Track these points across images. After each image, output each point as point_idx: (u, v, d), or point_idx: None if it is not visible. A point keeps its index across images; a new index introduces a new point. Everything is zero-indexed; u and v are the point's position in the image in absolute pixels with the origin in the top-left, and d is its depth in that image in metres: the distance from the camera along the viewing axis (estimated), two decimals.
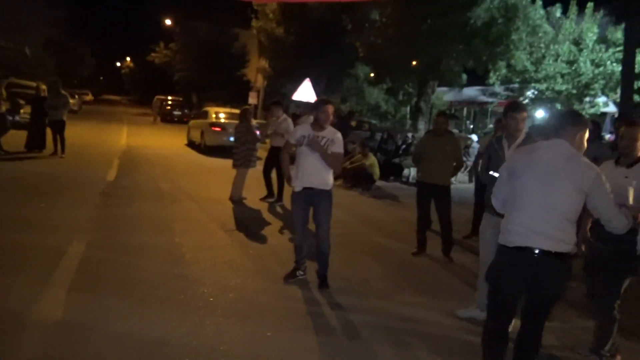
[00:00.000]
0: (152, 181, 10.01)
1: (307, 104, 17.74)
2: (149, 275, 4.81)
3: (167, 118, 31.45)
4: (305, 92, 17.13)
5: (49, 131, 12.34)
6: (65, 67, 44.31)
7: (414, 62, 16.24)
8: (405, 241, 7.00)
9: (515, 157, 3.23)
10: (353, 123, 18.91)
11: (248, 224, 7.27)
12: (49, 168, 10.42)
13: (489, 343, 3.19)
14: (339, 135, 4.94)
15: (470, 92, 22.75)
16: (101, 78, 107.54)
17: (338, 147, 4.91)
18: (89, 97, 49.11)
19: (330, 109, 4.84)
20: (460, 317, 4.48)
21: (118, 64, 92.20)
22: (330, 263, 5.13)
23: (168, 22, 43.00)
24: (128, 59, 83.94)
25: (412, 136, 14.10)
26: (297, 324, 4.09)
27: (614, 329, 3.71)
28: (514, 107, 4.65)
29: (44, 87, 19.13)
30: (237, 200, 8.71)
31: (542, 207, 2.90)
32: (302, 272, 5.06)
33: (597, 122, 8.13)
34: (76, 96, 33.44)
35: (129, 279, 4.69)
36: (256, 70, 28.71)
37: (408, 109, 26.69)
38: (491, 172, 4.32)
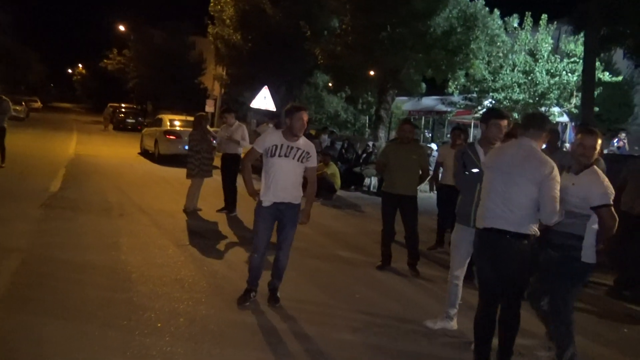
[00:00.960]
0: (100, 192, 9.38)
1: (265, 112, 17.38)
2: (89, 297, 4.31)
3: (120, 126, 30.72)
4: (264, 100, 16.78)
5: None
6: (11, 74, 42.47)
7: (373, 72, 16.13)
8: (369, 254, 6.72)
9: (489, 155, 3.83)
10: (312, 132, 18.66)
11: (202, 237, 6.81)
12: None
13: (477, 323, 3.61)
14: (313, 147, 4.60)
15: (429, 101, 22.87)
16: (52, 85, 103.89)
17: (314, 161, 4.60)
18: (38, 105, 47.11)
19: (305, 116, 4.43)
20: (430, 327, 4.32)
21: (70, 70, 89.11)
22: (290, 279, 4.77)
23: (122, 28, 41.71)
24: (80, 65, 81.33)
25: (373, 145, 13.93)
26: (254, 353, 3.70)
27: (568, 333, 3.68)
28: (496, 114, 4.47)
29: None
30: (191, 212, 8.23)
31: (502, 197, 3.43)
32: (254, 293, 4.66)
33: (556, 130, 8.11)
34: (23, 103, 32.08)
35: (66, 301, 4.18)
36: (213, 78, 28.08)
37: (367, 118, 26.68)
38: (473, 170, 4.26)
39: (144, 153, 17.07)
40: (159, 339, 3.68)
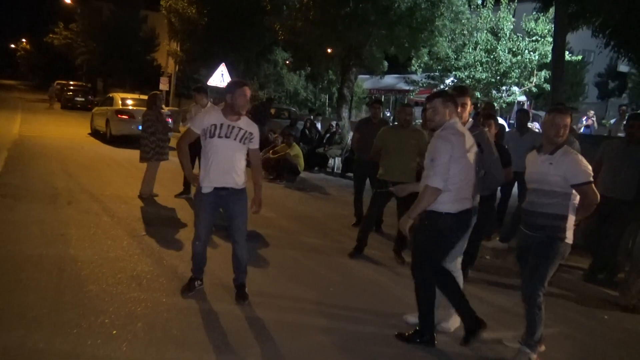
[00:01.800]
0: (47, 177, 8.67)
1: (222, 90, 16.73)
2: (32, 301, 3.81)
3: (69, 105, 29.21)
4: (221, 78, 16.11)
5: None
6: None
7: (334, 48, 15.65)
8: (338, 240, 6.42)
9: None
10: (272, 110, 18.11)
11: (160, 226, 6.31)
12: None
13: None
14: (256, 127, 4.18)
15: (390, 80, 22.63)
16: None
17: (256, 143, 4.20)
18: None
19: (247, 91, 4.00)
20: (410, 323, 4.05)
21: (12, 45, 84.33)
22: (255, 270, 4.39)
23: (68, 0, 39.52)
24: (24, 40, 77.09)
25: (337, 124, 13.54)
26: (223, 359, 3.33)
27: (540, 317, 3.59)
28: (458, 91, 4.20)
29: None
30: (147, 198, 7.70)
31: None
32: (200, 282, 4.33)
33: (526, 110, 7.95)
34: None
35: (5, 307, 3.68)
36: (167, 55, 26.93)
37: (327, 96, 26.25)
38: None
39: (95, 133, 16.15)
40: (115, 349, 3.26)
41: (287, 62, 23.14)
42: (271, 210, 7.63)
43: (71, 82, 34.60)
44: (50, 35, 44.66)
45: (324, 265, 5.43)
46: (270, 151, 11.36)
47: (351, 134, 14.63)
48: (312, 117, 14.37)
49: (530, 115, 12.29)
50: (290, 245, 6.05)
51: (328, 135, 13.12)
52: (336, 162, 12.99)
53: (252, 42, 19.42)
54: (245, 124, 4.07)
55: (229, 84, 4.10)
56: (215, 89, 16.62)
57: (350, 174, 11.09)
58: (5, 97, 35.89)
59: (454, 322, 4.06)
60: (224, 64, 16.25)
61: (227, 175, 4.02)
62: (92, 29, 37.32)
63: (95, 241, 5.42)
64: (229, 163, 4.01)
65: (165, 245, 5.52)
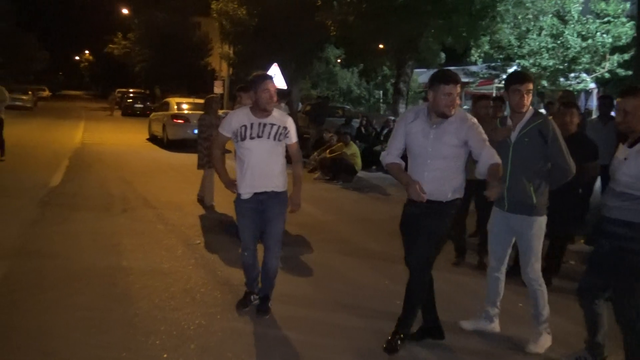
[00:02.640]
0: (103, 184, 8.67)
1: (275, 90, 16.49)
2: (78, 319, 3.58)
3: (128, 112, 30.24)
4: (274, 78, 15.86)
5: None
6: (16, 63, 41.88)
7: (388, 42, 15.02)
8: (401, 246, 5.92)
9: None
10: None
11: (216, 234, 6.05)
12: None
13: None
14: (290, 119, 3.79)
15: None
16: (60, 73, 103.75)
17: (293, 136, 3.79)
18: (46, 93, 46.93)
19: (272, 85, 3.61)
20: (465, 329, 3.75)
21: (77, 57, 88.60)
22: (310, 281, 3.99)
23: (125, 11, 40.81)
24: (87, 52, 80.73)
25: (394, 120, 12.96)
26: None
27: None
28: (518, 77, 3.67)
29: None
30: (208, 206, 7.43)
31: None
32: (256, 296, 3.96)
33: (610, 97, 7.18)
34: (29, 92, 31.72)
35: (48, 326, 3.46)
36: (219, 58, 27.15)
37: (381, 92, 25.63)
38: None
39: (153, 139, 16.38)
40: None
41: (339, 59, 22.71)
42: (327, 213, 7.24)
43: (130, 90, 35.76)
44: (110, 46, 46.25)
45: (388, 275, 4.96)
46: (327, 151, 10.98)
47: None
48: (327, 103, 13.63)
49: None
50: (349, 252, 5.63)
51: (385, 131, 12.59)
52: None
53: (303, 40, 19.09)
54: (278, 118, 3.69)
55: (251, 80, 3.69)
56: None
57: None
58: (70, 106, 37.53)
59: (545, 341, 3.52)
60: (276, 64, 16.00)
61: (266, 178, 3.67)
62: (148, 37, 38.28)
63: (149, 251, 5.20)
64: (265, 165, 3.65)
65: (220, 255, 5.23)
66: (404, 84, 14.63)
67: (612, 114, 8.07)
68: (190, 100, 16.49)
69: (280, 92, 15.89)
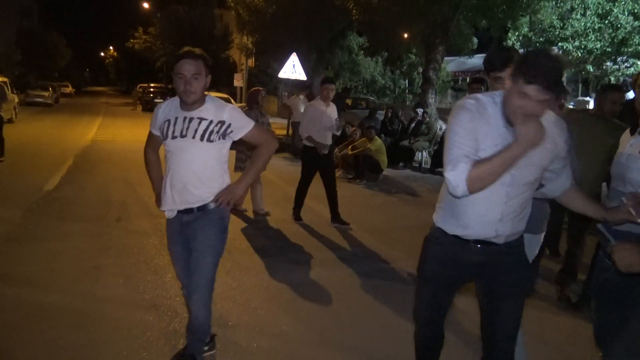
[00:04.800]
0: (103, 188, 7.89)
1: (295, 82, 15.58)
2: None
3: (148, 106, 29.63)
4: (292, 69, 14.96)
5: None
6: (40, 60, 42.09)
7: (416, 26, 13.84)
8: None
9: None
10: (348, 101, 16.75)
11: (229, 253, 5.15)
12: None
13: None
14: (230, 109, 2.74)
15: (477, 60, 20.43)
16: (87, 70, 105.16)
17: (245, 125, 2.77)
18: (70, 90, 47.11)
19: (190, 66, 2.61)
20: None
21: (102, 54, 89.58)
22: (328, 313, 3.04)
23: (146, 5, 40.68)
24: (111, 48, 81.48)
25: (423, 112, 11.87)
26: None
27: None
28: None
29: (3, 79, 17.04)
30: (263, 215, 6.52)
31: None
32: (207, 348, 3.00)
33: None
34: (50, 89, 31.56)
35: None
36: (238, 50, 26.34)
37: (407, 82, 24.44)
38: None
39: None
40: None
41: (362, 47, 21.65)
42: (348, 218, 6.27)
43: (151, 85, 35.35)
44: (131, 40, 46.09)
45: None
46: (349, 147, 10.01)
47: (440, 122, 12.99)
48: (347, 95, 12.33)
49: None
50: (376, 273, 4.67)
51: (413, 125, 11.54)
52: (424, 156, 11.40)
53: (323, 27, 18.07)
54: (211, 111, 2.68)
55: (177, 55, 2.71)
56: (288, 82, 15.55)
57: (441, 169, 9.51)
58: (92, 103, 37.40)
59: None
60: (295, 53, 15.09)
61: (187, 192, 2.71)
62: (169, 31, 37.96)
63: (133, 275, 4.33)
64: (189, 174, 2.69)
65: (222, 283, 4.31)
66: (434, 72, 13.47)
67: None
68: (210, 93, 15.68)
69: (300, 84, 15.00)
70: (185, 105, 2.67)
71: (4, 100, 10.26)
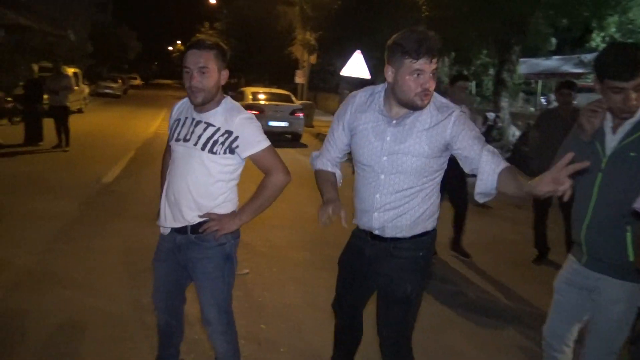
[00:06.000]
0: (157, 183, 7.74)
1: (358, 80, 15.10)
2: None
3: None
4: (356, 67, 14.50)
5: (50, 121, 10.31)
6: (111, 52, 43.75)
7: (490, 23, 12.99)
8: (513, 287, 4.34)
9: None
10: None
11: (257, 257, 4.81)
12: (34, 166, 8.40)
13: None
14: (243, 120, 2.25)
15: (552, 62, 19.17)
16: (155, 63, 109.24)
17: (254, 144, 2.26)
18: (137, 82, 48.99)
19: (196, 58, 2.18)
20: None
21: (170, 47, 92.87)
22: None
23: (212, 1, 41.75)
24: (178, 42, 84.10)
25: (495, 116, 11.07)
26: None
27: None
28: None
29: (75, 70, 17.57)
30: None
31: None
32: None
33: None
34: (119, 81, 32.69)
35: None
36: (301, 46, 26.15)
37: (475, 84, 23.38)
38: None
39: None
40: None
41: None
42: None
43: None
44: (197, 35, 47.11)
45: (503, 339, 3.44)
46: None
47: (512, 128, 12.16)
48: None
49: None
50: (439, 297, 4.16)
51: (484, 130, 10.78)
52: None
53: (390, 24, 17.46)
54: (221, 117, 2.24)
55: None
56: (351, 80, 15.11)
57: None
58: (159, 94, 38.50)
59: None
60: (359, 51, 14.61)
61: (177, 206, 2.27)
62: (234, 26, 38.58)
63: (134, 287, 4.03)
64: (182, 186, 2.25)
65: (271, 293, 3.95)
66: (508, 74, 12.60)
67: None
68: (267, 90, 15.52)
69: (363, 82, 14.47)
70: (197, 106, 2.26)
71: (70, 91, 10.38)
